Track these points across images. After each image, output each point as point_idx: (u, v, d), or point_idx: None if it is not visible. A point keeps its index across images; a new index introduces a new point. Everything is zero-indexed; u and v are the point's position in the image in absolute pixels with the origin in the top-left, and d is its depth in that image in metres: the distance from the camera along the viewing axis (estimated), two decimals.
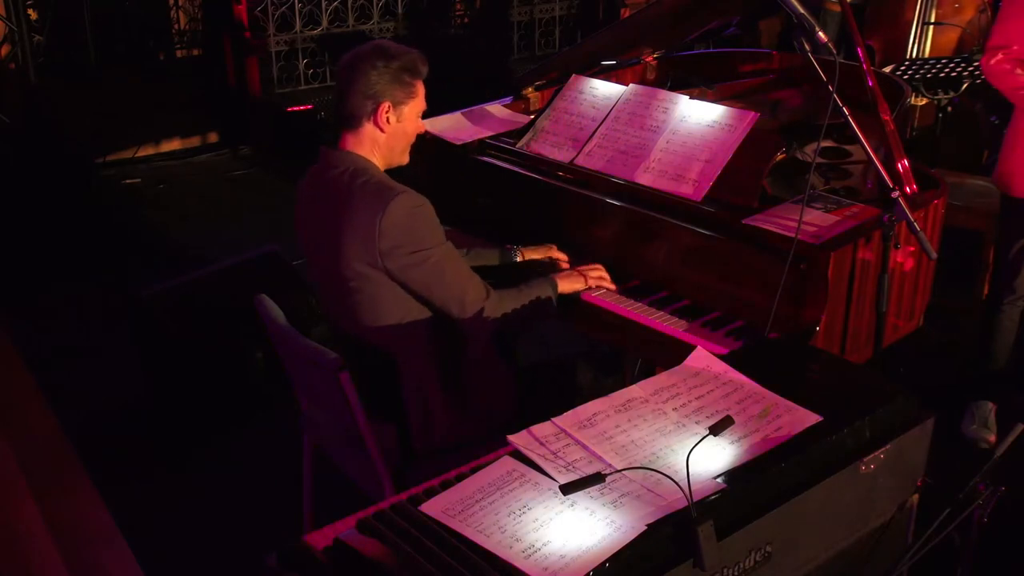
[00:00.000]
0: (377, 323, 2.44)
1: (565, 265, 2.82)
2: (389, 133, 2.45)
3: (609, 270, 2.78)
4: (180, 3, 7.33)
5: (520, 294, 2.55)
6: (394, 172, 2.52)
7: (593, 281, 2.70)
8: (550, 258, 2.83)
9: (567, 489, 1.62)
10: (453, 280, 2.43)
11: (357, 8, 7.08)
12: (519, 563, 1.52)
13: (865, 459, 1.85)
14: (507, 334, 2.72)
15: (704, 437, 1.73)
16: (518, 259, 2.82)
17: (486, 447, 1.88)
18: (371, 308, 2.43)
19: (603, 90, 3.04)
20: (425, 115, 2.56)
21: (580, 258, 2.85)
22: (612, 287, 2.72)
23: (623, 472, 1.70)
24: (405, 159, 2.54)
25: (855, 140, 2.48)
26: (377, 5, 7.13)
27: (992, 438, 3.42)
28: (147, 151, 6.62)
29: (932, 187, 2.79)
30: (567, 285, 2.66)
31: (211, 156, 6.74)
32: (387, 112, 2.42)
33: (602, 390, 1.98)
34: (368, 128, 2.44)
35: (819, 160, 2.86)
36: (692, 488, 1.59)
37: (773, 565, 1.72)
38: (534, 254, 2.84)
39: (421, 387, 2.48)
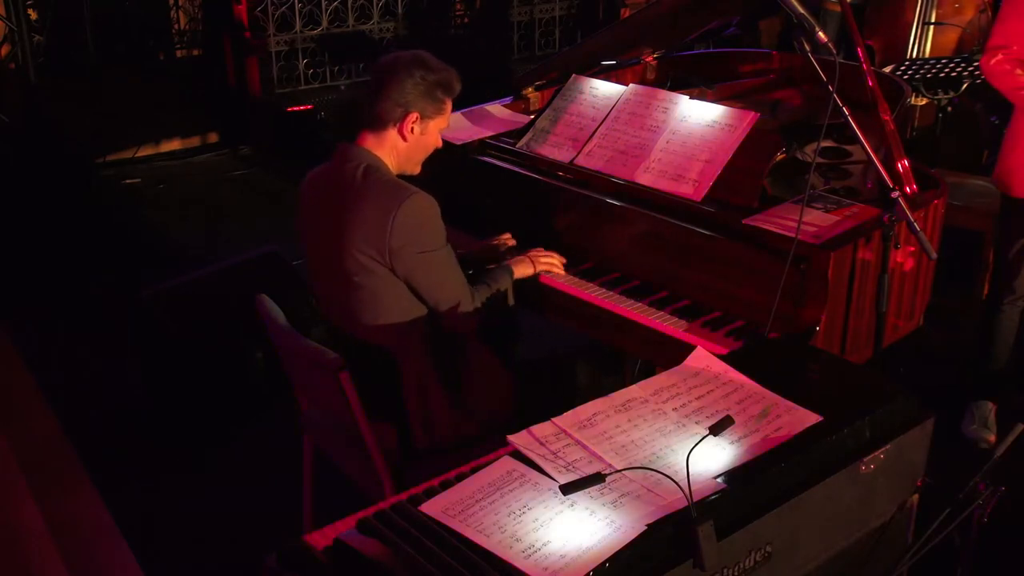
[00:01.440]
0: (377, 321, 2.44)
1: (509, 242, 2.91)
2: (410, 143, 2.48)
3: (609, 270, 2.78)
4: (180, 3, 7.33)
5: (488, 289, 2.62)
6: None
7: (542, 266, 2.76)
8: (502, 248, 2.89)
9: (567, 489, 1.62)
10: (452, 284, 2.49)
11: (357, 8, 7.08)
12: (519, 563, 1.52)
13: (865, 459, 1.85)
14: (505, 335, 2.73)
15: (704, 437, 1.74)
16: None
17: (486, 447, 1.88)
18: (372, 304, 2.43)
19: (603, 90, 3.04)
20: None
21: (579, 258, 2.85)
22: (561, 272, 2.78)
23: (623, 472, 1.70)
24: (417, 170, 2.58)
25: (855, 140, 2.48)
26: (377, 5, 7.13)
27: (992, 438, 3.42)
28: (147, 151, 6.62)
29: (932, 187, 2.79)
30: (520, 271, 2.73)
31: (211, 156, 6.73)
32: (413, 123, 2.45)
33: (602, 390, 1.98)
34: (391, 133, 2.47)
35: (819, 160, 2.86)
36: (692, 488, 1.59)
37: (773, 565, 1.72)
38: (474, 248, 2.90)
39: (421, 387, 2.49)
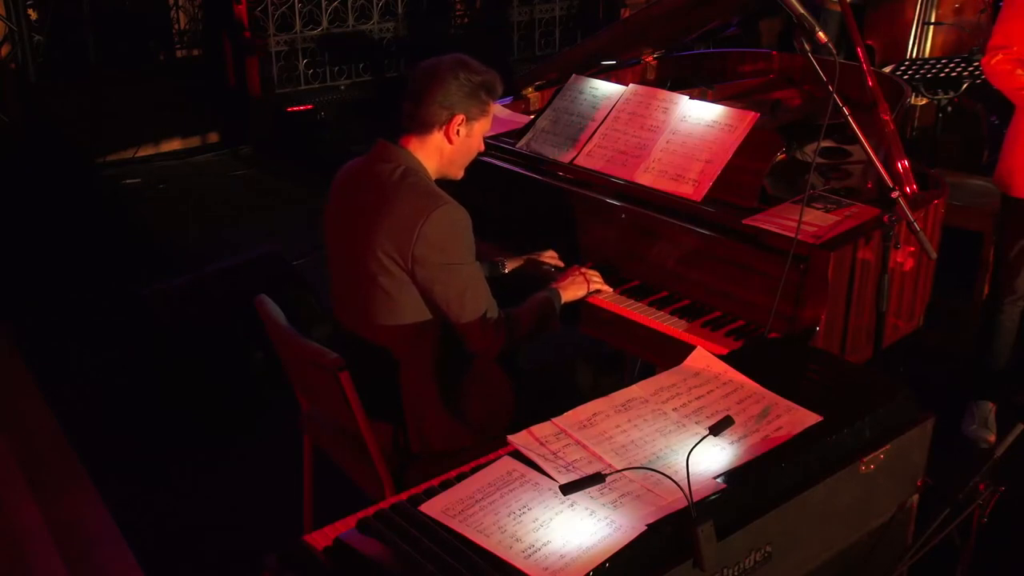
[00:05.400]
0: (388, 322, 2.43)
1: (555, 262, 2.84)
2: (456, 146, 2.47)
3: (609, 270, 2.79)
4: (180, 3, 7.34)
5: (528, 314, 2.54)
6: None
7: (595, 285, 2.71)
8: (546, 264, 2.84)
9: (567, 489, 1.62)
10: (472, 302, 2.42)
11: (357, 8, 7.09)
12: (519, 563, 1.52)
13: (865, 459, 1.85)
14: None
15: (704, 437, 1.74)
16: (505, 271, 2.83)
17: (484, 448, 1.87)
18: (387, 306, 2.42)
19: (603, 90, 3.05)
20: None
21: (578, 259, 2.85)
22: (608, 289, 2.73)
23: (623, 472, 1.70)
24: (460, 174, 2.55)
25: (855, 140, 2.49)
26: (377, 5, 7.13)
27: (992, 438, 3.42)
28: (147, 151, 6.63)
29: (932, 187, 2.80)
30: (571, 293, 2.67)
31: (211, 156, 6.74)
32: (459, 125, 2.44)
33: (602, 390, 1.98)
34: (437, 137, 2.45)
35: (819, 160, 2.86)
36: (692, 488, 1.59)
37: (773, 565, 1.72)
38: (517, 264, 2.85)
39: (420, 393, 2.47)
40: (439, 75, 2.42)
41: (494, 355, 2.51)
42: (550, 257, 2.85)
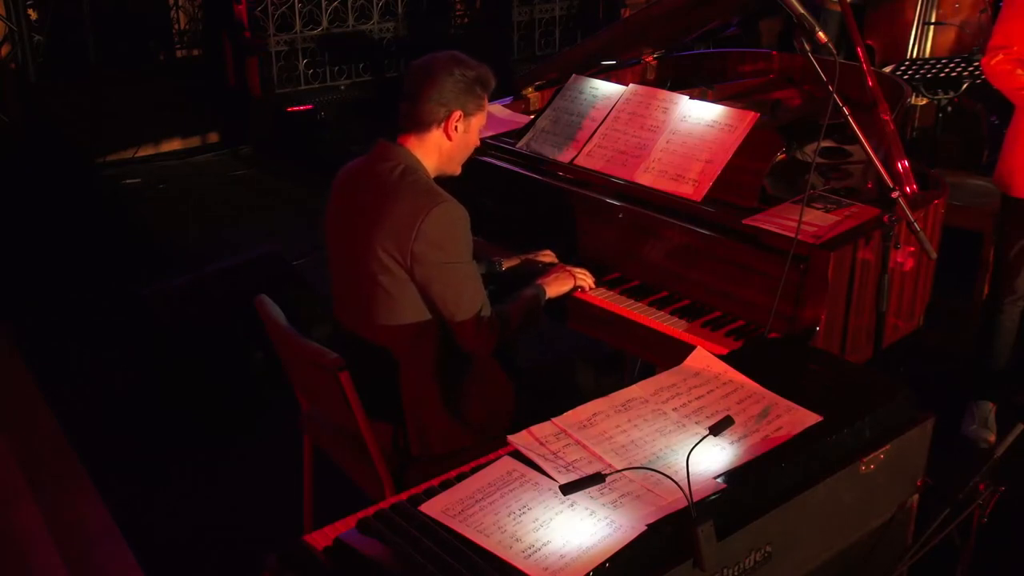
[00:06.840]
0: (389, 322, 2.43)
1: (552, 261, 2.84)
2: (455, 142, 2.47)
3: (601, 268, 2.79)
4: (180, 3, 7.34)
5: (517, 311, 2.55)
6: None
7: (580, 281, 2.72)
8: (543, 264, 2.84)
9: (567, 489, 1.62)
10: (468, 301, 2.43)
11: (357, 8, 7.09)
12: (519, 563, 1.52)
13: (865, 459, 1.85)
14: (506, 344, 2.71)
15: (704, 437, 1.74)
16: (502, 270, 2.83)
17: (484, 449, 1.87)
18: (387, 305, 2.42)
19: (603, 90, 3.04)
20: None
21: (578, 259, 2.85)
22: (592, 284, 2.74)
23: (623, 472, 1.70)
24: (458, 171, 2.55)
25: (855, 140, 2.49)
26: (377, 5, 7.13)
27: (992, 438, 3.42)
28: (147, 151, 6.62)
29: (932, 187, 2.79)
30: (555, 289, 2.68)
31: (211, 156, 6.74)
32: (457, 121, 2.44)
33: (602, 390, 1.98)
34: (435, 134, 2.45)
35: (819, 160, 2.86)
36: (692, 488, 1.59)
37: (773, 565, 1.72)
38: (514, 263, 2.85)
39: (420, 394, 2.47)
40: (434, 73, 2.42)
41: (487, 353, 2.51)
42: (547, 256, 2.86)
